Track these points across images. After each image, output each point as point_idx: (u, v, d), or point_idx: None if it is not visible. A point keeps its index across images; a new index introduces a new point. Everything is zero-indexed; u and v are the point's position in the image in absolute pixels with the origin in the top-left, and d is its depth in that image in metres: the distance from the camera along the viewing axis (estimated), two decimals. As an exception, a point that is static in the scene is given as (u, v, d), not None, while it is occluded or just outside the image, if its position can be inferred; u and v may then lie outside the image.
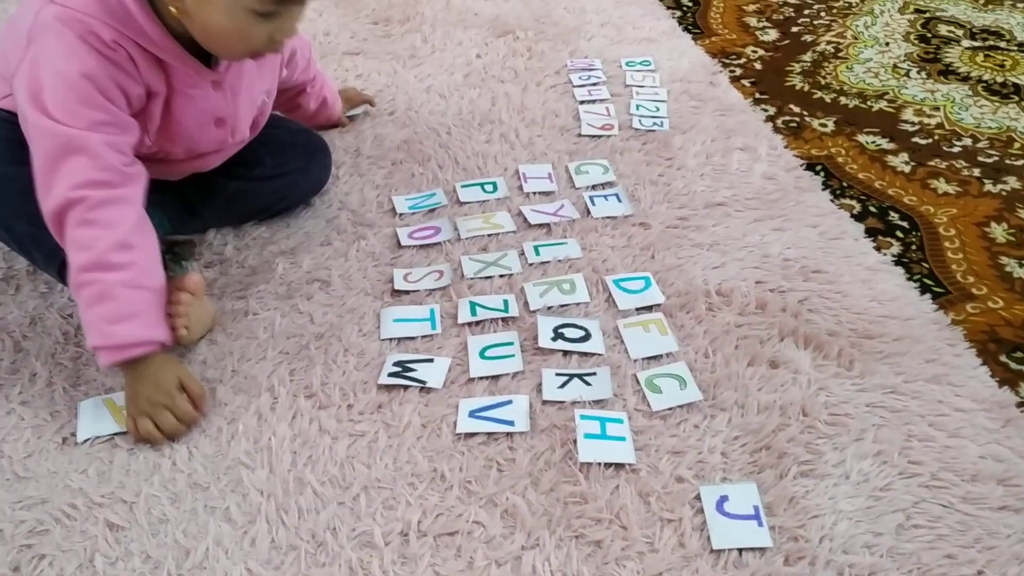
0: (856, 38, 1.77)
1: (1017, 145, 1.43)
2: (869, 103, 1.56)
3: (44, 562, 0.83)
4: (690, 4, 1.93)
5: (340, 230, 1.25)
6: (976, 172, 1.38)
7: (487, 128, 1.47)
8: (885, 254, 1.20)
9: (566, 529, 0.86)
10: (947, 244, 1.23)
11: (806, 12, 1.89)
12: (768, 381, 1.01)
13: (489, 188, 1.33)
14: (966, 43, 1.74)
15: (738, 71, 1.66)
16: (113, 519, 0.87)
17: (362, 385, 1.01)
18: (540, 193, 1.33)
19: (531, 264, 1.19)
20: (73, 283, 0.94)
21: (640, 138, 1.45)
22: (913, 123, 1.50)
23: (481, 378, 1.01)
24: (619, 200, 1.30)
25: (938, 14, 1.85)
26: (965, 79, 1.62)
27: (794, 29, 1.82)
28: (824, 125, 1.50)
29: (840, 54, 1.71)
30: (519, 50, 1.70)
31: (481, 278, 1.16)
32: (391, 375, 1.01)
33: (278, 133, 1.24)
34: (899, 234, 1.25)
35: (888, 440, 0.93)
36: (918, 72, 1.64)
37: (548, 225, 1.26)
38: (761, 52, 1.73)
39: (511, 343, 1.06)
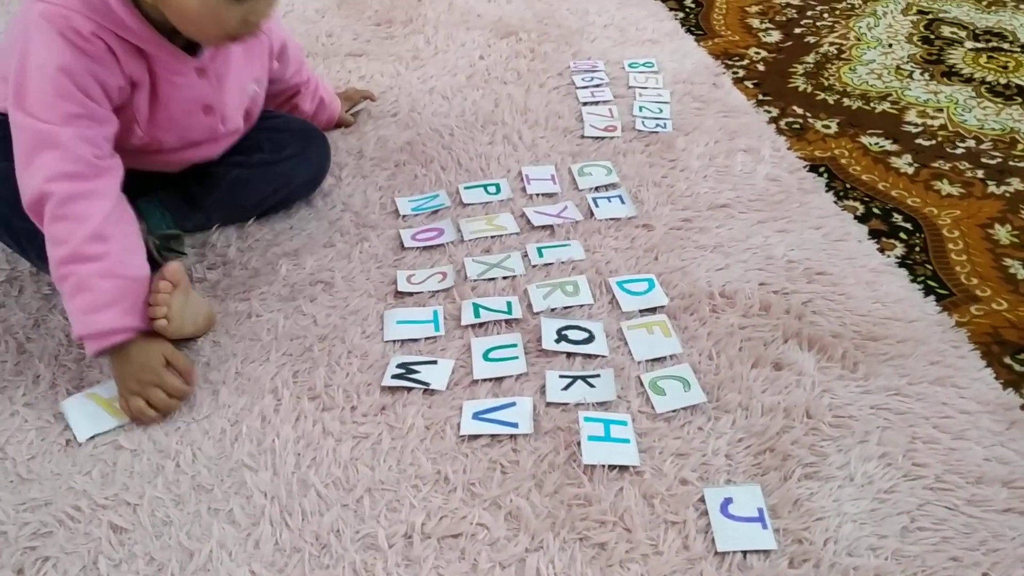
0: (859, 39, 1.77)
1: (1020, 147, 1.43)
2: (872, 104, 1.56)
3: (48, 564, 0.83)
4: (693, 5, 1.92)
5: (343, 232, 1.25)
6: (980, 174, 1.37)
7: (490, 130, 1.47)
8: (889, 256, 1.20)
9: (570, 531, 0.86)
10: (951, 246, 1.23)
11: (809, 14, 1.88)
12: (772, 383, 1.01)
13: (492, 190, 1.33)
14: (969, 44, 1.73)
15: (741, 72, 1.66)
16: (117, 521, 0.87)
17: (365, 387, 1.01)
18: (543, 195, 1.33)
19: (534, 266, 1.18)
20: (55, 277, 0.97)
21: (643, 140, 1.44)
22: (916, 125, 1.50)
23: (485, 380, 1.01)
24: (622, 202, 1.30)
25: (941, 15, 1.85)
26: (968, 81, 1.61)
27: (797, 30, 1.82)
28: (827, 127, 1.50)
29: (843, 55, 1.71)
30: (522, 51, 1.70)
31: (484, 280, 1.16)
32: (395, 377, 1.01)
33: (277, 123, 1.28)
34: (903, 236, 1.25)
35: (892, 442, 0.93)
36: (921, 73, 1.64)
37: (551, 227, 1.26)
38: (764, 53, 1.73)
39: (515, 345, 1.05)
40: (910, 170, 1.39)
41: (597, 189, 1.33)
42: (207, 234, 1.23)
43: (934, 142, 1.45)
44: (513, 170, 1.38)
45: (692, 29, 1.82)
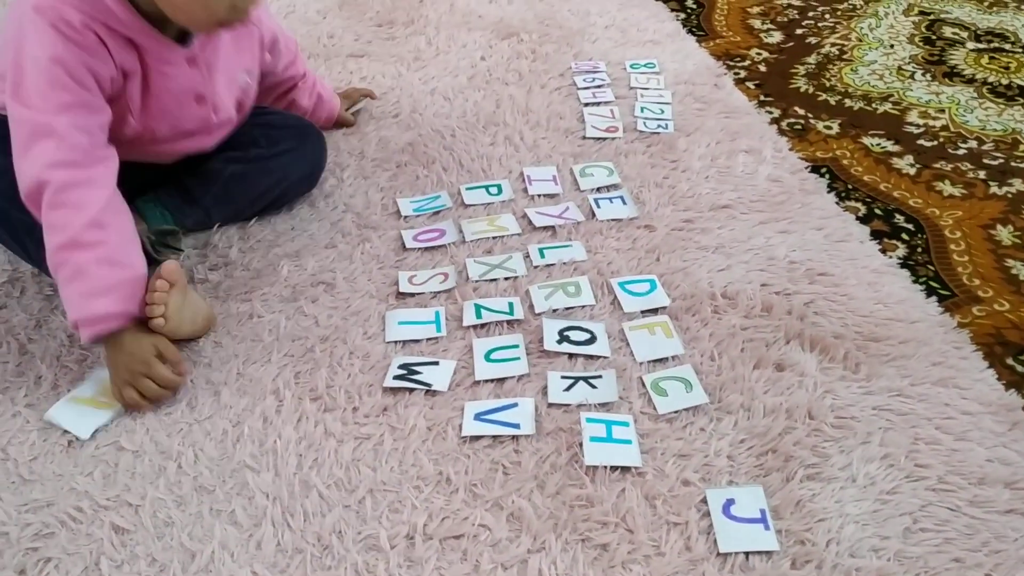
0: (860, 40, 1.77)
1: (1022, 147, 1.43)
2: (874, 105, 1.56)
3: (50, 565, 0.83)
4: (694, 6, 1.92)
5: (345, 232, 1.25)
6: (982, 174, 1.37)
7: (492, 130, 1.47)
8: (891, 256, 1.20)
9: (572, 532, 0.85)
10: (953, 246, 1.23)
11: (810, 14, 1.88)
12: (774, 384, 1.00)
13: (494, 190, 1.33)
14: (971, 45, 1.73)
15: (742, 73, 1.66)
16: (119, 522, 0.87)
17: (367, 388, 1.01)
18: (545, 195, 1.33)
19: (536, 267, 1.18)
20: (51, 264, 0.98)
21: (645, 140, 1.44)
22: (918, 125, 1.50)
23: (486, 381, 1.01)
24: (624, 202, 1.30)
25: (943, 16, 1.85)
26: (970, 81, 1.61)
27: (798, 31, 1.82)
28: (829, 127, 1.50)
29: (845, 56, 1.71)
30: (523, 52, 1.70)
31: (486, 280, 1.16)
32: (396, 378, 1.01)
33: (272, 119, 1.29)
34: (905, 236, 1.25)
35: (895, 443, 0.93)
36: (923, 74, 1.64)
37: (553, 227, 1.26)
38: (765, 54, 1.73)
39: (516, 346, 1.05)
40: (912, 171, 1.39)
41: (599, 190, 1.33)
42: (208, 235, 1.23)
43: (936, 143, 1.45)
44: (515, 171, 1.38)
45: (693, 30, 1.82)
